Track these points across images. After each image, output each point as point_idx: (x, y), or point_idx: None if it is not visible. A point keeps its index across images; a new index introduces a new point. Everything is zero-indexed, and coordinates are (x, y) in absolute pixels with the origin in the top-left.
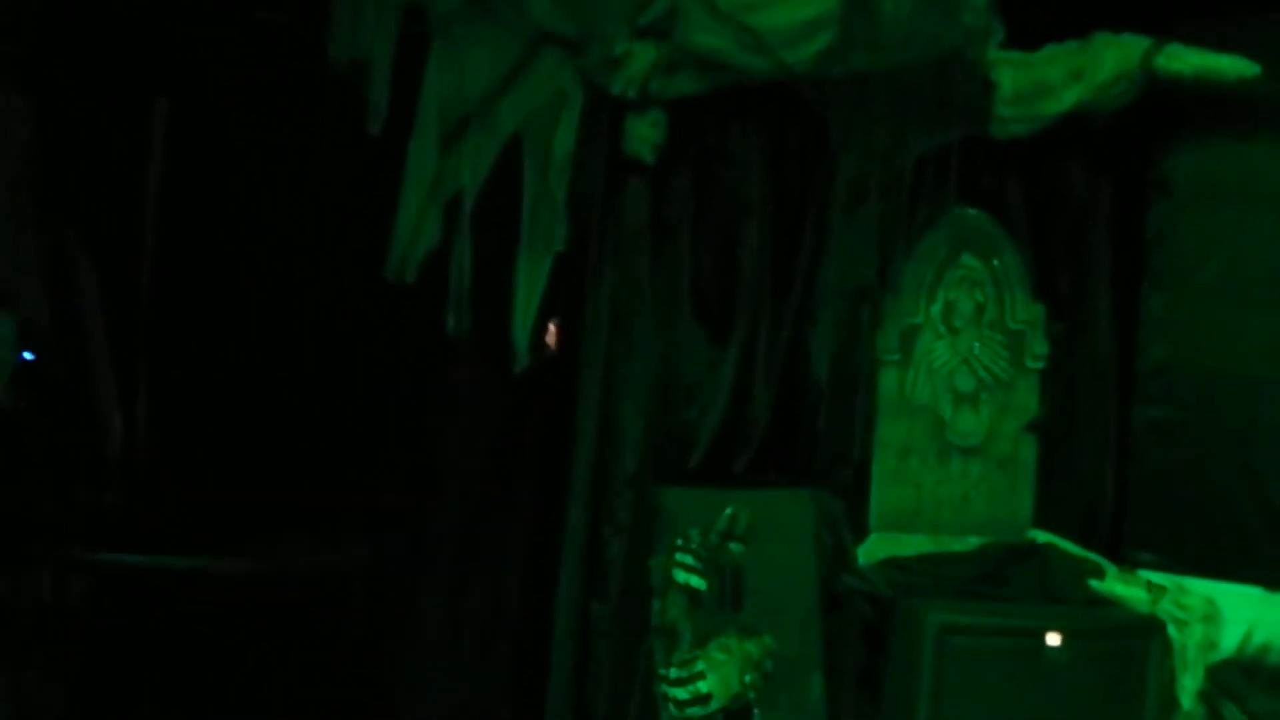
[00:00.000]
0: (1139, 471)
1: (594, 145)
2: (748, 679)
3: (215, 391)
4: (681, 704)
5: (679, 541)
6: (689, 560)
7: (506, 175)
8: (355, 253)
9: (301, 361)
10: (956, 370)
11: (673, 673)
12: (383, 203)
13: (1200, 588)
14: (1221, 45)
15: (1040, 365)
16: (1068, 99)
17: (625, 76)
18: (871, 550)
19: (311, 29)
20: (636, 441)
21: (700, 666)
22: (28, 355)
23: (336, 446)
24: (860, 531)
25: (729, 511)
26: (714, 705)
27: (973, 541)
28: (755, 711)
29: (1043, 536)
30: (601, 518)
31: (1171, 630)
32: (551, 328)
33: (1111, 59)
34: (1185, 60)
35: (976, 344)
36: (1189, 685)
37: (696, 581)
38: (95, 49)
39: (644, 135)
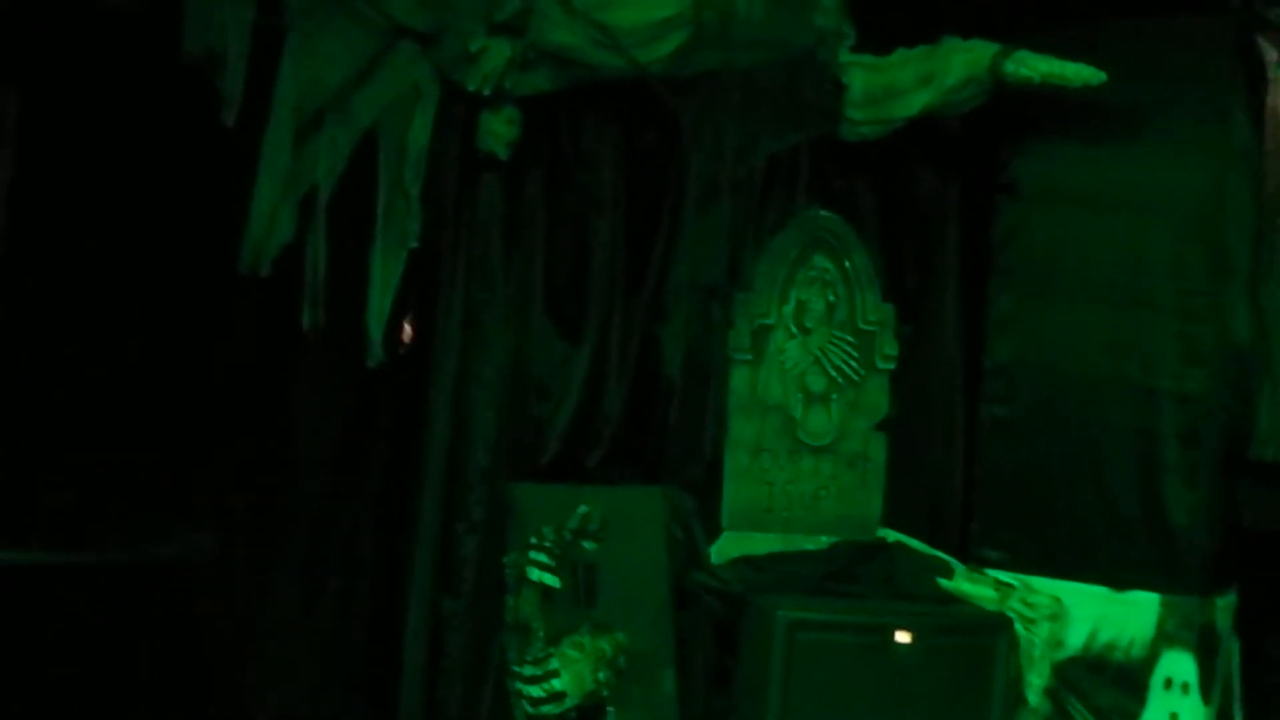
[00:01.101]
0: (985, 470)
1: (448, 141)
2: (601, 676)
3: (63, 383)
4: (535, 701)
5: (532, 539)
6: (542, 557)
7: (361, 170)
8: (208, 246)
9: (152, 354)
10: (808, 370)
11: (526, 670)
12: (236, 196)
13: (1047, 586)
14: (1068, 51)
15: (890, 365)
16: (917, 102)
17: (480, 72)
18: (724, 548)
19: (165, 18)
20: (489, 437)
21: (554, 664)
22: None
23: (187, 439)
24: (712, 529)
25: (583, 509)
26: (568, 703)
27: (823, 540)
28: (609, 708)
29: (892, 535)
30: (455, 514)
31: (1019, 628)
32: (406, 323)
33: (960, 64)
34: (1033, 66)
35: (828, 344)
36: (1036, 682)
37: (550, 579)
38: None
39: (498, 132)
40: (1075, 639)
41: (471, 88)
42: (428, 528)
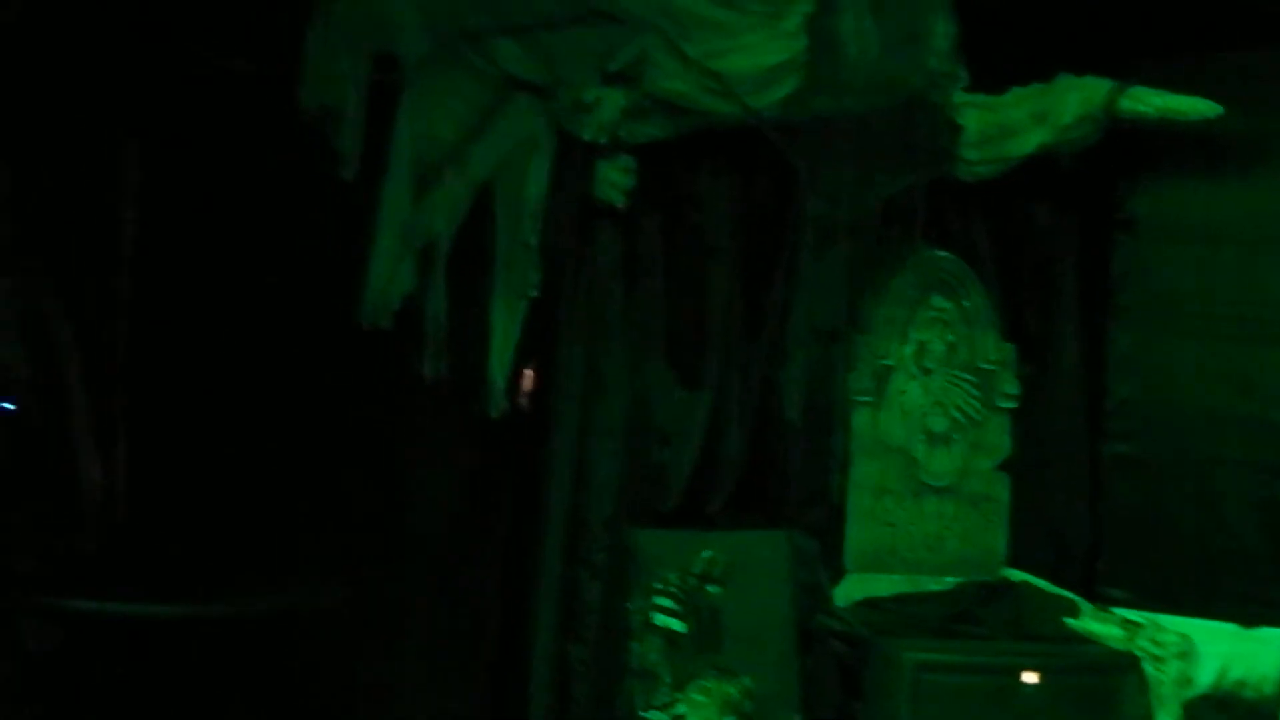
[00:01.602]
0: (1110, 508)
1: (566, 190)
2: None
3: (191, 438)
4: None
5: (656, 584)
6: (667, 603)
7: (479, 221)
8: (329, 299)
9: (276, 407)
10: (929, 411)
11: (653, 715)
12: (357, 250)
13: (1174, 624)
14: (1184, 85)
15: (1011, 404)
16: (1032, 141)
17: (595, 122)
18: (848, 591)
19: (282, 76)
20: (611, 484)
21: (681, 709)
22: (6, 404)
23: (313, 490)
24: (835, 572)
25: (706, 554)
26: None
27: (948, 580)
28: None
29: (1017, 575)
30: (577, 560)
31: (1147, 666)
32: (527, 372)
33: (1075, 101)
34: (1148, 101)
35: (948, 384)
36: None
37: (675, 624)
38: (65, 96)
39: (614, 180)
40: (1205, 677)
41: (587, 137)
42: (551, 575)
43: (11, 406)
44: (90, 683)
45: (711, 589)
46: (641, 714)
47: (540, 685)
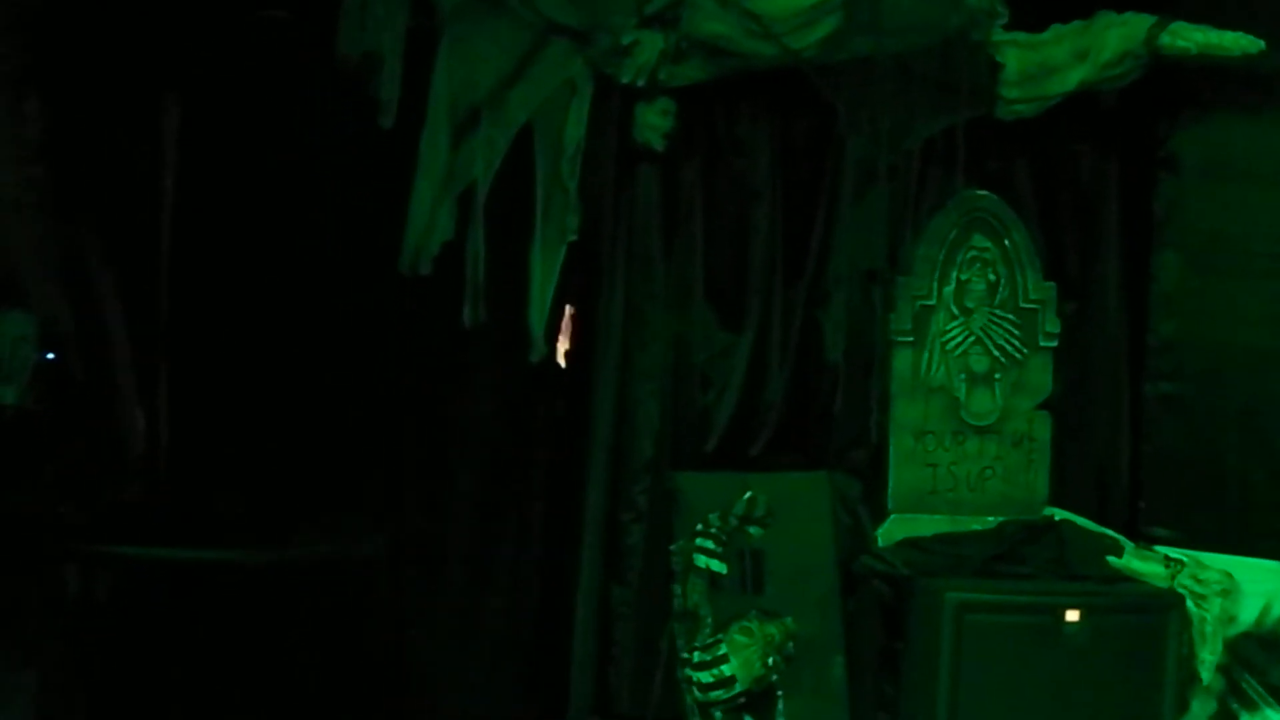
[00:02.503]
0: (1152, 447)
1: (604, 134)
2: (770, 661)
3: (234, 386)
4: (705, 687)
5: (698, 526)
6: (709, 544)
7: (518, 166)
8: (369, 246)
9: (318, 354)
10: (970, 350)
11: (695, 656)
12: (395, 196)
13: (1217, 562)
14: (1226, 20)
15: (1053, 344)
16: (1073, 79)
17: (634, 65)
18: (890, 531)
19: (320, 24)
20: (653, 427)
21: (723, 650)
22: (49, 355)
23: (353, 437)
24: (878, 513)
25: (747, 495)
26: (737, 688)
27: (990, 520)
28: (778, 694)
29: (1059, 514)
30: (620, 504)
31: (1190, 604)
32: (567, 316)
33: (1116, 38)
34: (1189, 37)
35: (989, 324)
36: (1208, 659)
37: (717, 565)
38: (103, 49)
39: (653, 123)
40: (1247, 614)
41: (625, 81)
42: (594, 519)
43: (53, 356)
44: (136, 629)
45: (753, 530)
46: (683, 655)
47: (584, 627)
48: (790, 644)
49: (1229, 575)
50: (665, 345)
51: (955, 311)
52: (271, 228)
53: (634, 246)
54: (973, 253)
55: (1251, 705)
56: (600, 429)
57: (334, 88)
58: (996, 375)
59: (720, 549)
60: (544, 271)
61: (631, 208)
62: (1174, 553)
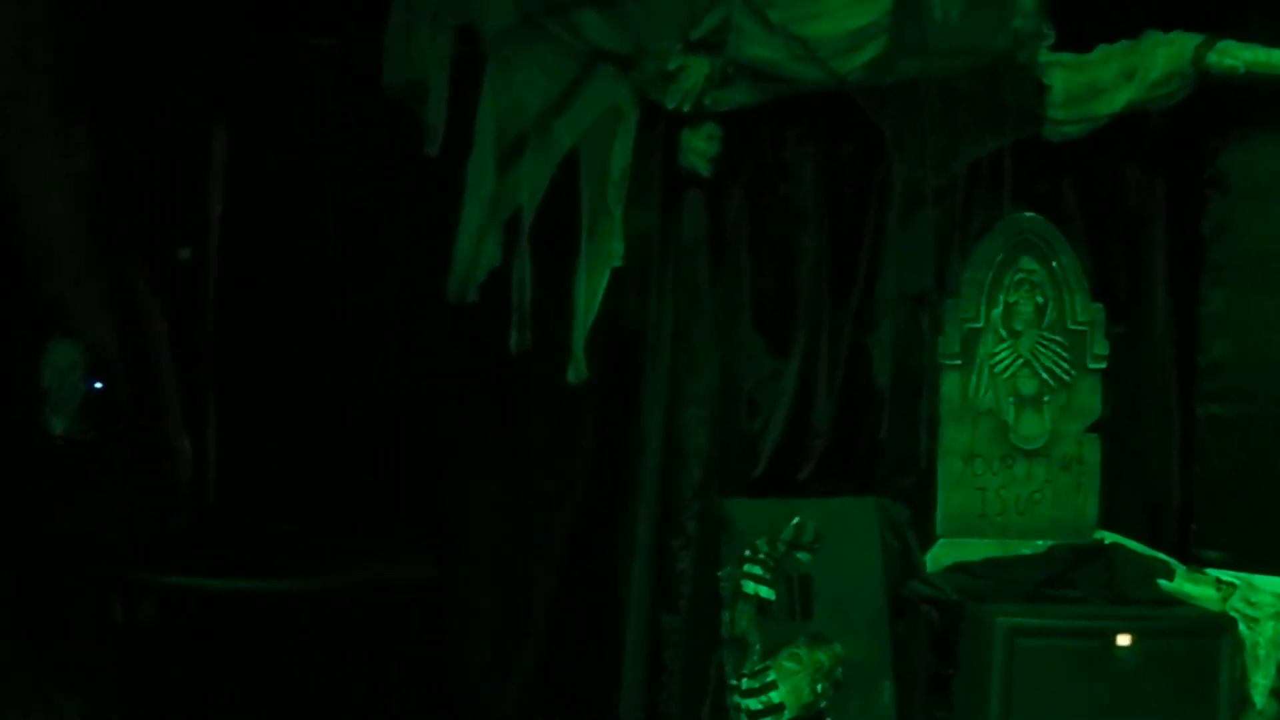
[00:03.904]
0: (1204, 469)
1: (650, 160)
2: (819, 687)
3: (281, 413)
4: (754, 714)
5: (746, 552)
6: (757, 570)
7: (564, 192)
8: (416, 273)
9: (365, 381)
10: (1018, 373)
11: (744, 683)
12: (442, 223)
13: (1270, 584)
14: (1273, 38)
15: (1101, 365)
16: (1120, 99)
17: (679, 91)
18: (939, 556)
19: (366, 52)
20: (702, 452)
21: (772, 676)
22: (97, 384)
23: (400, 464)
24: (926, 537)
25: (795, 520)
26: (786, 715)
27: (1040, 544)
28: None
29: (1109, 537)
30: (669, 529)
31: (1242, 628)
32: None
33: (1163, 57)
34: (1237, 56)
35: (1038, 346)
36: (1261, 682)
37: (765, 591)
38: (151, 76)
39: (699, 149)
40: None
41: (671, 106)
42: (643, 544)
43: (100, 384)
44: (180, 659)
45: (802, 556)
46: (732, 682)
47: (634, 653)
48: (839, 669)
49: None
50: (712, 370)
51: (1003, 334)
52: (318, 255)
53: (681, 272)
54: (1020, 275)
55: None
56: (650, 454)
57: (380, 115)
58: (1045, 398)
59: (768, 575)
60: (588, 295)
61: (678, 233)
62: (1226, 575)
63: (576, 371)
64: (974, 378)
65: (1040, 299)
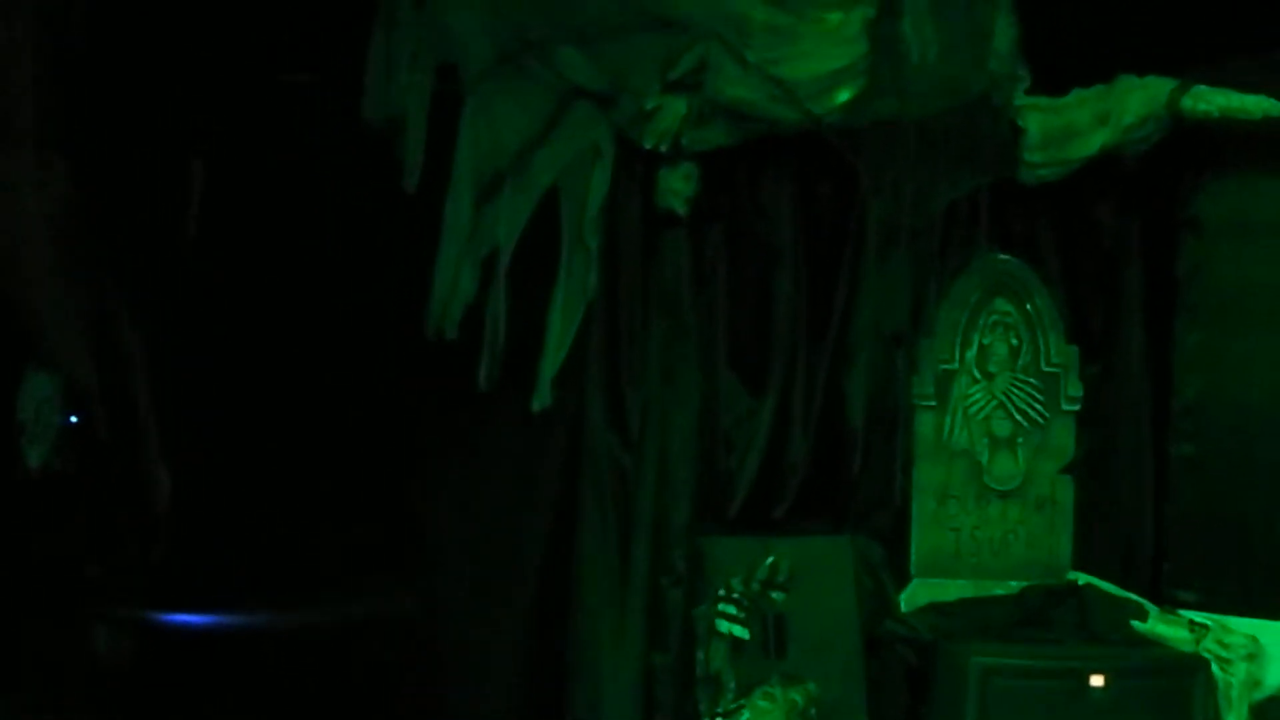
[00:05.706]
0: (1177, 510)
1: (628, 199)
2: None
3: (259, 447)
4: None
5: (721, 591)
6: (731, 609)
7: (541, 229)
8: (393, 308)
9: (343, 417)
10: (993, 414)
11: None
12: (419, 260)
13: (1242, 625)
14: (1245, 84)
15: (1075, 407)
16: (1095, 142)
17: (656, 130)
18: (913, 596)
19: (345, 89)
20: (688, 490)
21: (746, 715)
22: (73, 417)
23: (380, 499)
24: (901, 577)
25: (770, 560)
26: None
27: (1013, 584)
28: None
29: (1083, 578)
30: (659, 567)
31: (1215, 669)
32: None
33: (1137, 101)
34: (1211, 101)
35: (1012, 388)
36: None
37: (739, 630)
38: (128, 112)
39: (676, 188)
40: (1273, 678)
41: (648, 145)
42: (637, 582)
43: (76, 418)
44: (160, 692)
45: (776, 595)
46: None
47: (625, 691)
48: (813, 709)
49: (1255, 639)
50: (694, 407)
51: (977, 375)
52: (296, 290)
53: (665, 310)
54: (995, 317)
55: None
56: (644, 493)
57: (358, 152)
58: (1019, 439)
59: (742, 613)
60: (562, 327)
61: (659, 272)
62: (1199, 616)
63: (539, 397)
64: (948, 418)
65: (1015, 340)
